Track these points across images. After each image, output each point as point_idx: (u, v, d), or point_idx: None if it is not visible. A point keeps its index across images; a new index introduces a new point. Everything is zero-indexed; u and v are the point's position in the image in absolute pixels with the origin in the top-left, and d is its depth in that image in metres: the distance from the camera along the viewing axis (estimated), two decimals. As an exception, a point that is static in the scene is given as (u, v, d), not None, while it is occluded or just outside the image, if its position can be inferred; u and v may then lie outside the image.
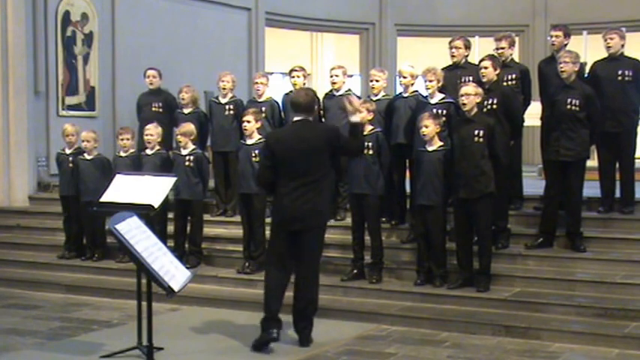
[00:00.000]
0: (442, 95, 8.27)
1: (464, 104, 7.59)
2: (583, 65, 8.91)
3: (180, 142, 9.00)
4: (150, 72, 10.52)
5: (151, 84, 10.49)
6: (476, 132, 7.52)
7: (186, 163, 8.89)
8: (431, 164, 7.78)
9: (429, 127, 7.71)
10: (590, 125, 7.95)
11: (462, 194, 7.60)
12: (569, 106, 7.85)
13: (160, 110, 10.27)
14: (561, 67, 7.92)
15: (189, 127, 9.03)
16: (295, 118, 6.75)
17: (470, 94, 7.57)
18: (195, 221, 9.04)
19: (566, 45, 8.44)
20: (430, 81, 8.18)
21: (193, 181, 8.90)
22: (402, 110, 8.48)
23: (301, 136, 6.60)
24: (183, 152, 8.95)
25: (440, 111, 8.08)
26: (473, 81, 8.09)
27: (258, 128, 8.59)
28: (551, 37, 8.58)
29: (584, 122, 7.90)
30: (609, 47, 8.34)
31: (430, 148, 7.80)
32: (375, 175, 8.01)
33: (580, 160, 7.97)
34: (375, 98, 8.69)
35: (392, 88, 13.75)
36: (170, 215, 9.06)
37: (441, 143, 7.81)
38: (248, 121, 8.53)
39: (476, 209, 7.55)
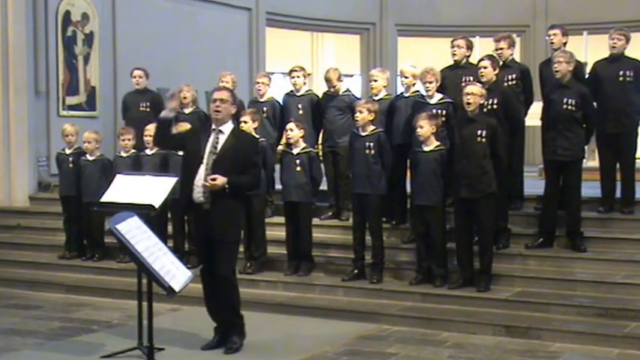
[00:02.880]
0: (441, 95, 8.28)
1: (468, 103, 7.57)
2: (584, 65, 8.91)
3: None
4: (136, 72, 10.57)
5: (137, 84, 10.55)
6: (478, 132, 7.52)
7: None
8: (428, 164, 7.78)
9: (423, 127, 7.71)
10: (586, 125, 7.97)
11: (463, 194, 7.59)
12: (565, 106, 7.86)
13: (148, 110, 10.33)
14: (555, 67, 7.93)
15: (186, 127, 9.01)
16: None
17: (475, 93, 7.57)
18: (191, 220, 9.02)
19: (565, 44, 8.45)
20: (429, 82, 8.19)
21: None
22: (404, 110, 8.49)
23: None
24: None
25: (439, 111, 8.09)
26: (474, 81, 8.09)
27: (255, 128, 8.59)
28: (549, 36, 8.60)
29: (580, 122, 7.92)
30: (614, 47, 8.34)
31: (427, 149, 7.80)
32: (376, 175, 8.02)
33: (577, 160, 7.98)
34: (376, 98, 8.70)
35: (393, 88, 13.75)
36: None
37: (438, 143, 7.81)
38: (245, 122, 8.53)
39: (478, 209, 7.55)
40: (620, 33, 8.36)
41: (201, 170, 6.35)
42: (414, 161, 8.01)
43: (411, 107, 8.43)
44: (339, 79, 9.14)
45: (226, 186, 6.23)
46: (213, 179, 6.19)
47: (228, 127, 6.45)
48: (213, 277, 6.48)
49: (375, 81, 8.79)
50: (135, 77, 10.58)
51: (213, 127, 6.47)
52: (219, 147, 6.37)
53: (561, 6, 17.16)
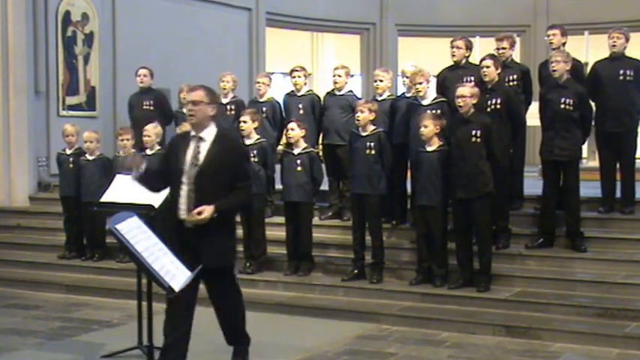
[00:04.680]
0: (434, 95, 8.29)
1: (460, 106, 7.60)
2: (583, 65, 8.90)
3: None
4: (141, 71, 10.57)
5: (141, 82, 10.54)
6: (473, 132, 7.52)
7: None
8: (430, 164, 7.78)
9: (428, 126, 7.71)
10: (583, 125, 7.97)
11: (460, 194, 7.60)
12: (563, 106, 7.87)
13: (151, 108, 10.33)
14: (553, 67, 7.93)
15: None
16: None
17: (465, 95, 7.57)
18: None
19: (564, 44, 8.46)
20: (420, 83, 8.19)
21: None
22: (404, 110, 8.49)
23: None
24: None
25: (435, 111, 8.08)
26: (474, 81, 8.10)
27: (255, 128, 8.60)
28: (549, 36, 8.60)
29: (577, 122, 7.92)
30: (614, 46, 8.34)
31: (429, 149, 7.80)
32: (377, 175, 8.02)
33: (575, 160, 7.98)
34: (380, 98, 8.71)
35: (393, 88, 13.75)
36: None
37: (440, 143, 7.80)
38: (244, 122, 8.54)
39: (474, 209, 7.55)
40: (620, 32, 8.36)
41: (183, 186, 5.50)
42: (416, 161, 8.01)
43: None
44: (347, 75, 9.14)
45: (215, 215, 5.33)
46: (199, 213, 5.30)
47: (210, 133, 5.51)
48: (191, 299, 5.63)
49: (381, 81, 8.77)
50: (139, 76, 10.57)
51: (193, 133, 5.57)
52: (201, 157, 5.46)
53: (562, 6, 17.15)
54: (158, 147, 9.27)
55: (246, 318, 6.06)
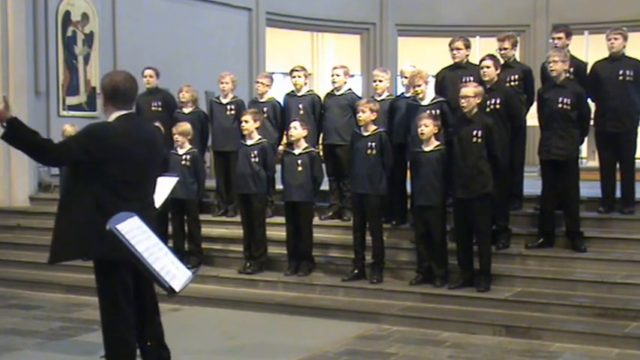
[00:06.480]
0: (433, 95, 8.30)
1: (463, 106, 7.59)
2: (586, 65, 8.92)
3: (177, 141, 8.98)
4: (147, 71, 10.53)
5: (148, 83, 10.51)
6: (474, 132, 7.52)
7: (183, 163, 8.89)
8: (429, 165, 7.78)
9: (428, 126, 7.71)
10: (580, 124, 7.98)
11: (459, 194, 7.60)
12: (560, 105, 7.86)
13: (160, 109, 10.28)
14: (551, 67, 7.93)
15: (186, 126, 9.03)
16: (122, 112, 4.98)
17: (469, 96, 7.57)
18: (191, 221, 9.02)
19: (568, 45, 8.45)
20: (418, 85, 8.19)
21: (189, 180, 8.89)
22: (404, 111, 8.49)
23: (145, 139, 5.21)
24: (180, 151, 8.95)
25: (435, 111, 8.08)
26: (474, 81, 8.09)
27: (257, 128, 8.60)
28: (554, 39, 8.58)
29: (575, 122, 7.92)
30: (612, 47, 8.33)
31: (427, 149, 7.80)
32: (378, 176, 8.02)
33: (573, 160, 7.98)
34: (379, 98, 8.71)
35: (393, 88, 13.76)
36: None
37: (437, 143, 7.80)
38: (246, 121, 8.55)
39: (474, 209, 7.55)
40: (617, 33, 8.35)
41: None
42: (415, 162, 8.01)
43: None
44: (346, 74, 9.14)
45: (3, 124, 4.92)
46: None
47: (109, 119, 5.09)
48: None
49: (380, 81, 8.78)
50: (145, 77, 10.52)
51: None
52: None
53: (562, 5, 17.17)
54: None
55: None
